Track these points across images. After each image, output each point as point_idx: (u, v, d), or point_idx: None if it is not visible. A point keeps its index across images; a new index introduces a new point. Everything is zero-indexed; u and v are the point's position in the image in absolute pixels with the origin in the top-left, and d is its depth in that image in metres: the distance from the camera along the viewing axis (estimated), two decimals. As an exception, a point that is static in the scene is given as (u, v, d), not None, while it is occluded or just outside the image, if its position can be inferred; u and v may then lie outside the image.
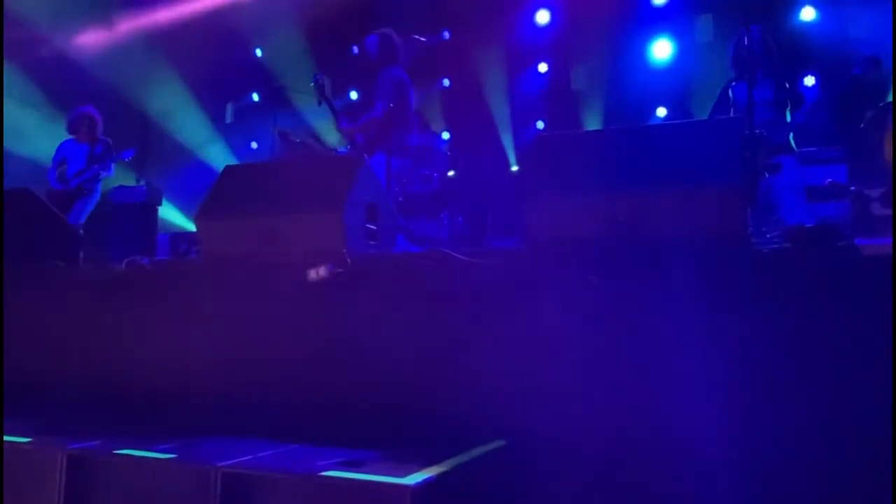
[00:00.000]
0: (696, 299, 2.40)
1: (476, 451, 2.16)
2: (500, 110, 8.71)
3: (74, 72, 7.96)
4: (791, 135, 4.37)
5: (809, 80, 6.97)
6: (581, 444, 2.35)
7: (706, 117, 4.89)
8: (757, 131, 3.98)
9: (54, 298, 3.42)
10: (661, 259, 2.53)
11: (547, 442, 2.36)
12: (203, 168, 8.63)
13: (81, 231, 6.18)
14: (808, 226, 3.19)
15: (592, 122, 8.16)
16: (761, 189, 4.26)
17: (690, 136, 3.08)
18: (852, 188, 4.37)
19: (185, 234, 7.69)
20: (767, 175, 4.29)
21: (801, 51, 6.75)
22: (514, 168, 8.63)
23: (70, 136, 6.35)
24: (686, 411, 2.31)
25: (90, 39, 8.41)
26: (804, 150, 4.78)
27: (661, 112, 7.88)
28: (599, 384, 2.43)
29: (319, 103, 6.38)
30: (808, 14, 7.20)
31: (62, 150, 6.35)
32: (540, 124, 8.71)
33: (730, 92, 4.54)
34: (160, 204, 7.72)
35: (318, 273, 2.97)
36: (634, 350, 2.44)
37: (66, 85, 7.91)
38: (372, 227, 3.39)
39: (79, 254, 4.00)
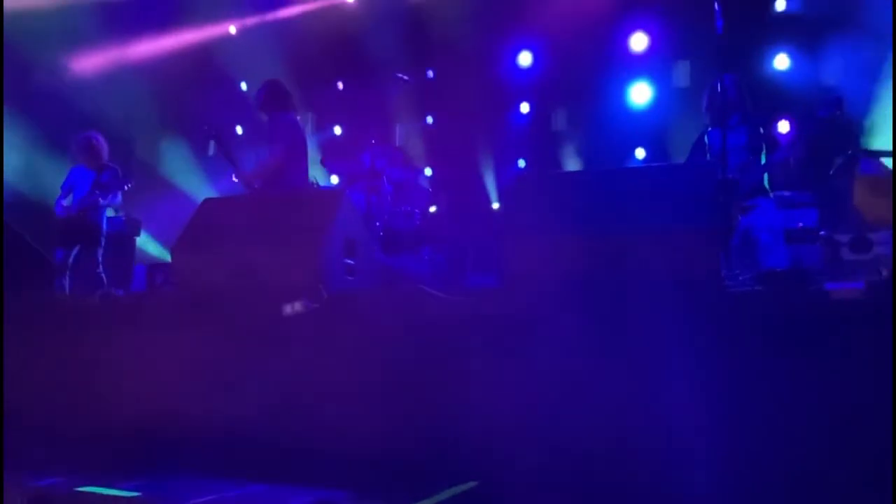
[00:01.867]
0: (671, 339, 2.41)
1: (448, 493, 2.13)
2: (483, 148, 8.81)
3: (59, 101, 7.93)
4: (765, 178, 4.47)
5: (783, 126, 7.16)
6: (555, 483, 2.34)
7: (684, 160, 4.99)
8: (731, 176, 4.06)
9: (26, 329, 3.36)
10: (637, 298, 2.55)
11: (520, 482, 2.34)
12: (183, 199, 8.60)
13: (101, 272, 5.92)
14: (780, 269, 3.25)
15: (572, 163, 8.28)
16: (737, 231, 4.33)
17: (667, 179, 3.15)
18: (822, 233, 4.45)
19: (163, 265, 7.61)
20: (742, 217, 4.36)
21: (774, 97, 6.94)
22: (495, 206, 8.70)
23: (80, 163, 6.15)
24: (661, 448, 2.31)
25: (76, 69, 8.43)
26: (778, 193, 4.88)
27: (640, 153, 8.02)
28: (574, 422, 2.43)
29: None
30: (781, 62, 7.43)
31: (70, 177, 6.14)
32: (521, 163, 8.82)
33: (705, 139, 4.64)
34: (138, 234, 7.65)
35: (293, 307, 2.95)
36: (609, 388, 2.44)
37: (50, 113, 7.86)
38: (350, 262, 3.38)
39: (53, 284, 3.94)
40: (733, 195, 4.19)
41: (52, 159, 7.76)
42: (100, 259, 6.02)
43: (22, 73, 7.95)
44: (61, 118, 7.76)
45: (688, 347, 2.36)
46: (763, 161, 4.51)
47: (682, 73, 7.87)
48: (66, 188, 6.13)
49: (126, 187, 6.04)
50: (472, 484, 2.25)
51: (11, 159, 7.31)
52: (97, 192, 5.90)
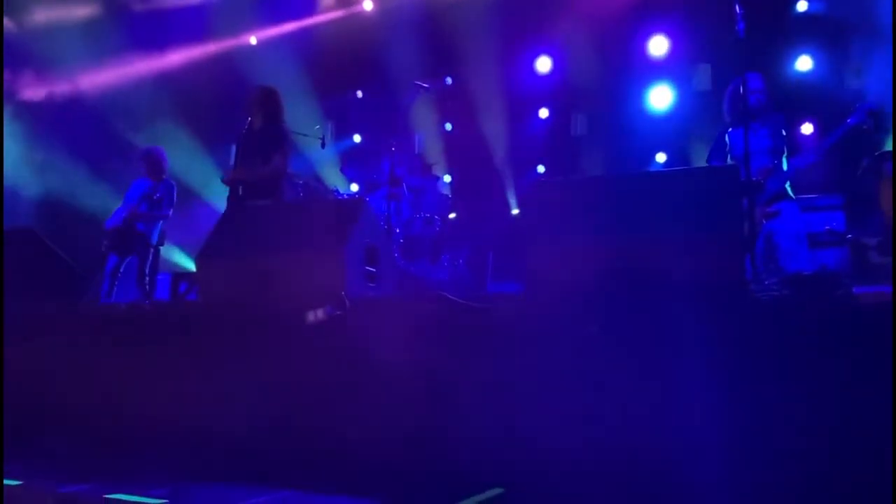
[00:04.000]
0: (696, 345, 2.39)
1: (474, 500, 2.13)
2: (502, 154, 8.82)
3: (81, 112, 8.07)
4: (788, 182, 4.41)
5: (807, 128, 7.06)
6: (582, 490, 2.32)
7: (705, 163, 4.95)
8: (754, 179, 4.02)
9: (54, 339, 3.41)
10: (660, 304, 2.53)
11: (546, 489, 2.33)
12: (206, 208, 8.69)
13: (147, 282, 6.02)
14: (807, 274, 3.20)
15: (592, 168, 8.24)
16: (760, 235, 4.28)
17: (689, 183, 3.12)
18: (849, 236, 4.37)
19: (186, 274, 7.69)
20: (766, 222, 4.31)
21: (797, 99, 6.86)
22: (515, 211, 8.69)
23: (141, 176, 6.30)
24: (687, 456, 2.28)
25: (98, 80, 8.58)
26: (803, 197, 4.82)
27: (661, 158, 7.96)
28: (599, 429, 2.41)
29: (323, 146, 6.51)
30: (804, 63, 7.34)
31: (130, 189, 6.32)
32: (541, 168, 8.80)
33: (726, 138, 4.59)
34: (162, 244, 7.75)
35: (316, 315, 2.97)
36: (634, 396, 2.42)
37: (72, 125, 8.01)
38: (371, 269, 3.40)
39: (81, 295, 3.99)
40: (757, 198, 4.14)
41: (85, 170, 7.91)
42: (147, 270, 6.11)
43: (51, 86, 8.11)
44: (90, 129, 7.90)
45: (713, 354, 2.34)
46: (786, 164, 4.45)
47: (703, 77, 7.80)
48: (126, 198, 6.27)
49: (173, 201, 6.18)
50: (498, 491, 2.24)
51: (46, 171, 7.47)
52: (148, 203, 6.04)
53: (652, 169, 7.60)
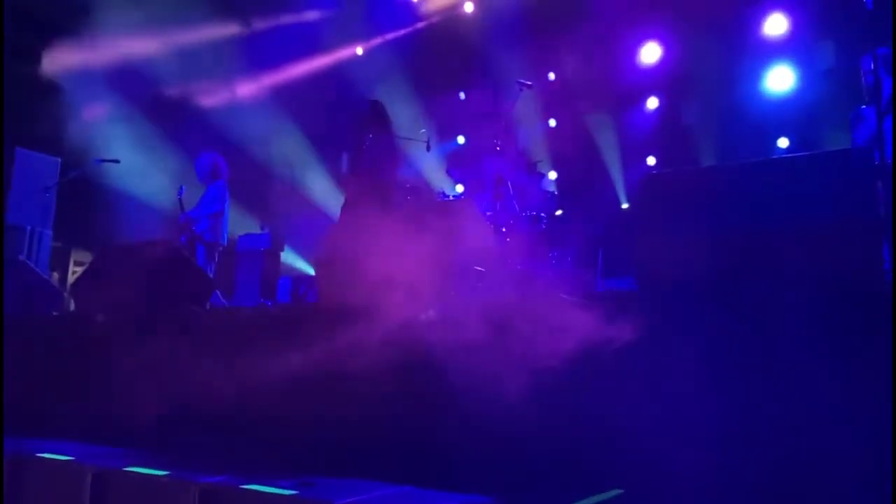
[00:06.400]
0: (827, 342, 2.24)
1: (593, 499, 2.10)
2: (609, 148, 8.62)
3: (203, 125, 8.64)
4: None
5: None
6: (704, 492, 2.23)
7: (833, 147, 4.61)
8: (889, 161, 3.70)
9: (188, 341, 3.68)
10: (788, 298, 2.39)
11: (666, 490, 2.26)
12: (321, 214, 9.08)
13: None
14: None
15: (707, 158, 7.88)
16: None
17: (814, 169, 2.92)
18: None
19: (306, 278, 8.07)
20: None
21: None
22: (625, 206, 8.47)
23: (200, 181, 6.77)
24: (817, 457, 2.15)
25: (220, 96, 9.18)
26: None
27: (783, 143, 7.50)
28: (721, 428, 2.31)
29: (428, 149, 6.65)
30: (945, 32, 6.69)
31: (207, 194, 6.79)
32: (651, 160, 8.53)
33: (859, 119, 4.27)
34: (283, 250, 8.17)
35: (428, 315, 3.03)
36: (760, 395, 2.30)
37: (193, 135, 8.58)
38: (480, 269, 3.43)
39: (209, 298, 4.29)
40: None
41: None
42: (211, 270, 6.48)
43: (179, 102, 8.73)
44: (212, 141, 8.45)
45: (849, 352, 2.18)
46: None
47: (825, 55, 7.28)
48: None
49: (181, 195, 6.52)
50: (617, 492, 2.20)
51: (164, 182, 8.02)
52: (201, 206, 6.46)
53: (773, 156, 7.18)
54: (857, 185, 2.67)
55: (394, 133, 5.50)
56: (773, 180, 2.85)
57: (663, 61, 8.38)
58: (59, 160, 7.60)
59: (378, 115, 5.44)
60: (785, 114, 7.37)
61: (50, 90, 7.88)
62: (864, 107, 4.29)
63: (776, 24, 7.54)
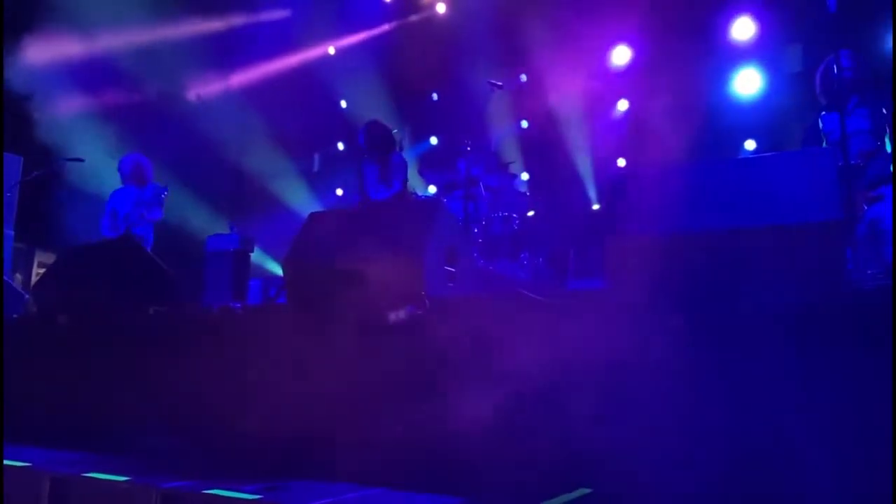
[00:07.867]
0: (792, 340, 2.27)
1: (561, 499, 2.10)
2: (580, 149, 8.68)
3: (170, 124, 8.49)
4: (892, 165, 4.11)
5: (911, 106, 6.58)
6: (671, 491, 2.24)
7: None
8: (853, 162, 3.77)
9: (152, 342, 3.60)
10: (753, 297, 2.42)
11: (633, 490, 2.26)
12: (292, 215, 8.99)
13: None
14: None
15: (675, 159, 7.97)
16: (862, 222, 4.01)
17: (781, 168, 2.95)
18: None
19: (275, 279, 7.97)
20: (868, 207, 4.04)
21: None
22: (595, 207, 8.52)
23: (122, 185, 6.58)
24: (781, 458, 2.17)
25: (188, 95, 9.04)
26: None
27: (750, 145, 7.62)
28: (689, 427, 2.32)
29: (401, 150, 6.65)
30: (904, 36, 6.85)
31: (112, 199, 6.54)
32: (621, 162, 8.60)
33: (820, 123, 4.33)
34: (252, 251, 8.06)
35: (398, 315, 3.01)
36: (725, 393, 2.32)
37: (160, 135, 8.43)
38: (451, 269, 3.41)
39: (175, 299, 4.20)
40: (857, 183, 3.89)
41: (175, 180, 8.31)
42: None
43: (145, 100, 8.57)
44: (179, 141, 8.31)
45: (811, 347, 2.21)
46: (889, 145, 4.16)
47: (793, 58, 7.40)
48: (110, 209, 6.51)
49: (164, 195, 6.40)
50: (585, 491, 2.20)
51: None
52: (142, 209, 6.30)
53: (741, 156, 7.28)
54: (821, 185, 2.70)
55: (398, 150, 6.01)
56: (743, 179, 2.88)
57: (633, 64, 8.46)
58: (22, 158, 7.41)
59: (382, 135, 5.95)
60: (753, 116, 7.49)
61: (13, 87, 7.70)
62: (824, 111, 4.36)
63: (744, 28, 7.66)
